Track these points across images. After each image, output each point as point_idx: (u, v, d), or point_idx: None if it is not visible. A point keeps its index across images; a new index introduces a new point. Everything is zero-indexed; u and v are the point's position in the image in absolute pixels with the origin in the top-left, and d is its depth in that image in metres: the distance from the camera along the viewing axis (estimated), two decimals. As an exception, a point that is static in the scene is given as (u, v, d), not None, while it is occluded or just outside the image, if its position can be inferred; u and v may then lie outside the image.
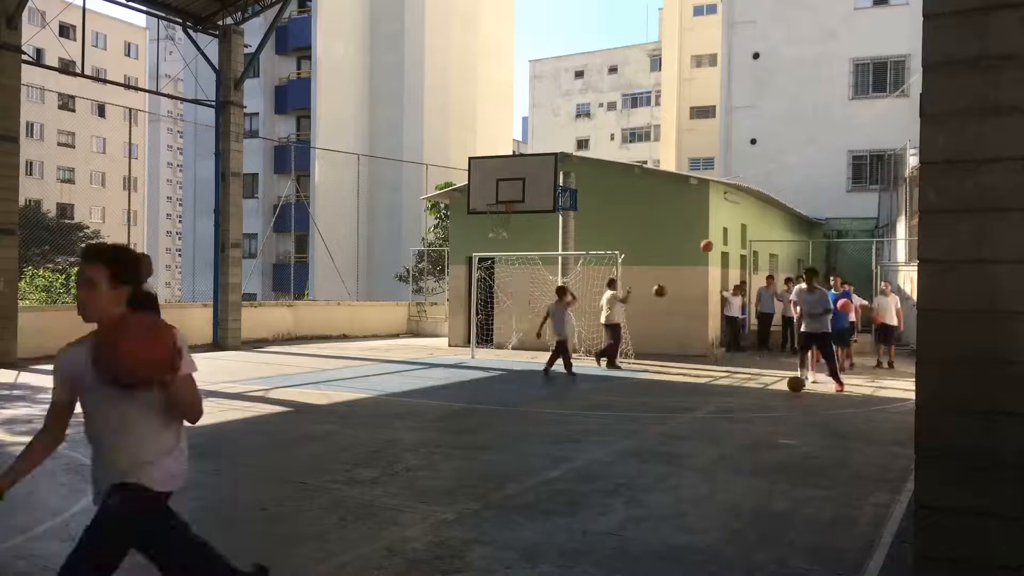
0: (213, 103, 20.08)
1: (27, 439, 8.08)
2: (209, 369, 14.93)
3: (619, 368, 15.55)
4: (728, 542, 5.27)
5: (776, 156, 30.06)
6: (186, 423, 3.29)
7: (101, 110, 64.49)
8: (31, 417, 9.46)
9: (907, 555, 4.70)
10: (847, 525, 5.66)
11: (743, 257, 21.31)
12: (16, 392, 11.55)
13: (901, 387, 12.98)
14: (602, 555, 4.95)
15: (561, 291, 15.28)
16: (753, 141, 31.52)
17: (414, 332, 25.18)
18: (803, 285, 13.18)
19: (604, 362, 15.82)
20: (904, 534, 5.24)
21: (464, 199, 17.80)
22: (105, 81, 24.02)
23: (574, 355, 17.92)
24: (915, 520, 4.28)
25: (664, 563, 4.85)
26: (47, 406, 9.67)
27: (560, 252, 17.80)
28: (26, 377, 13.24)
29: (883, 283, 17.45)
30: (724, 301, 19.04)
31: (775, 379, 14.24)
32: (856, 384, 13.60)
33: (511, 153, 44.98)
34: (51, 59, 46.67)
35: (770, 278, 19.85)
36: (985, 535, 3.99)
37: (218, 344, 19.29)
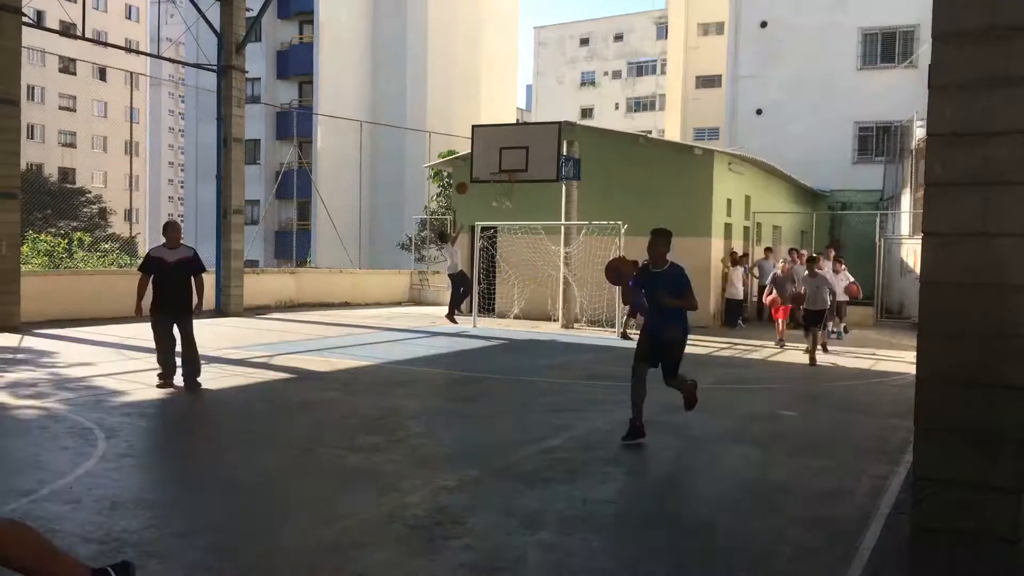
0: (215, 67, 19.90)
1: (32, 402, 8.16)
2: (211, 335, 14.97)
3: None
4: (726, 512, 5.31)
5: (782, 126, 29.82)
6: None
7: (102, 74, 63.95)
8: (35, 381, 9.51)
9: (904, 526, 4.75)
10: (845, 496, 5.70)
11: (746, 228, 21.23)
12: (20, 356, 11.59)
13: (902, 359, 13.01)
14: (601, 523, 5.00)
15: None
16: (759, 111, 31.26)
17: (416, 301, 25.21)
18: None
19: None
20: (901, 506, 5.28)
21: (467, 167, 17.71)
22: (106, 44, 23.88)
23: (576, 324, 17.97)
24: (913, 492, 4.31)
25: (662, 531, 4.90)
26: (51, 370, 9.87)
27: (563, 222, 17.74)
28: (29, 341, 13.27)
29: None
30: (726, 278, 18.85)
31: (776, 351, 14.27)
32: (857, 356, 13.64)
33: (515, 121, 44.70)
34: (51, 21, 46.17)
35: (768, 250, 19.77)
36: (983, 508, 4.02)
37: (220, 311, 19.31)
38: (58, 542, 4.42)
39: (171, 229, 9.39)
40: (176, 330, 9.18)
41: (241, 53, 19.72)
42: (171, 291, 9.09)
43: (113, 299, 17.77)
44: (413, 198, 40.79)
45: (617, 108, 68.93)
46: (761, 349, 14.53)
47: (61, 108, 65.60)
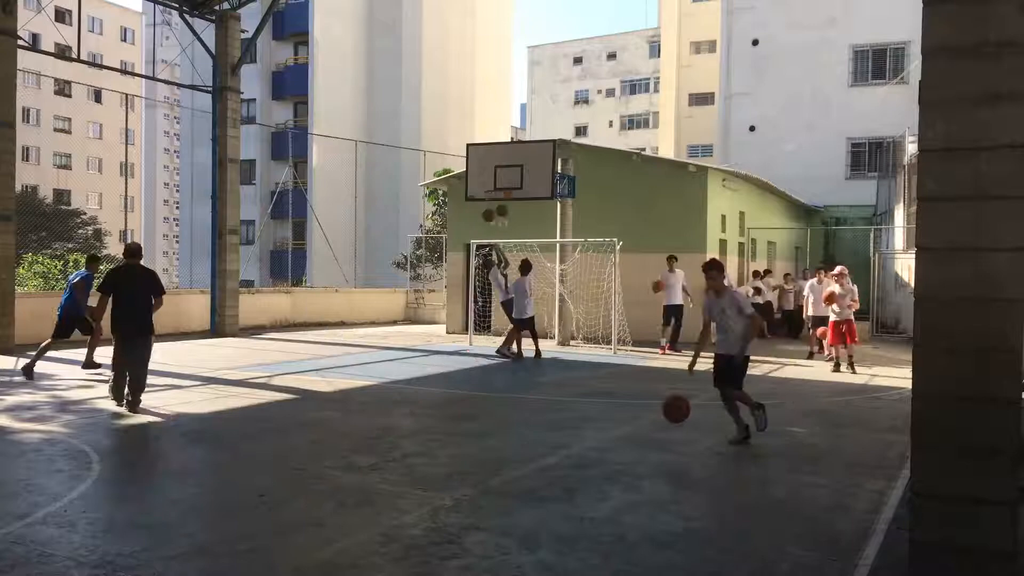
0: (210, 89, 19.98)
1: (26, 425, 8.11)
2: (207, 356, 14.93)
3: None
4: (724, 528, 5.29)
5: (775, 143, 29.99)
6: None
7: (97, 96, 64.17)
8: (35, 404, 9.46)
9: (903, 542, 4.73)
10: (843, 512, 5.69)
11: (741, 244, 21.29)
12: (17, 379, 11.53)
13: (899, 374, 13.01)
14: (599, 541, 4.97)
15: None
16: (752, 128, 31.45)
17: (412, 319, 25.18)
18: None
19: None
20: (900, 520, 5.27)
21: (462, 186, 17.75)
22: (101, 66, 23.90)
23: (572, 341, 17.96)
24: (911, 507, 4.30)
25: (661, 549, 4.87)
26: (51, 392, 9.79)
27: (558, 239, 17.77)
28: (25, 363, 13.19)
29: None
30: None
31: (775, 366, 14.27)
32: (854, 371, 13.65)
33: (509, 140, 44.89)
34: (47, 44, 46.38)
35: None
36: (980, 522, 4.01)
37: (216, 331, 19.28)
38: (52, 566, 4.39)
39: None
40: None
41: (236, 74, 19.80)
42: None
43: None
44: (408, 216, 40.88)
45: (611, 126, 69.31)
46: (761, 365, 14.53)
47: (56, 130, 65.72)
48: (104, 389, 10.22)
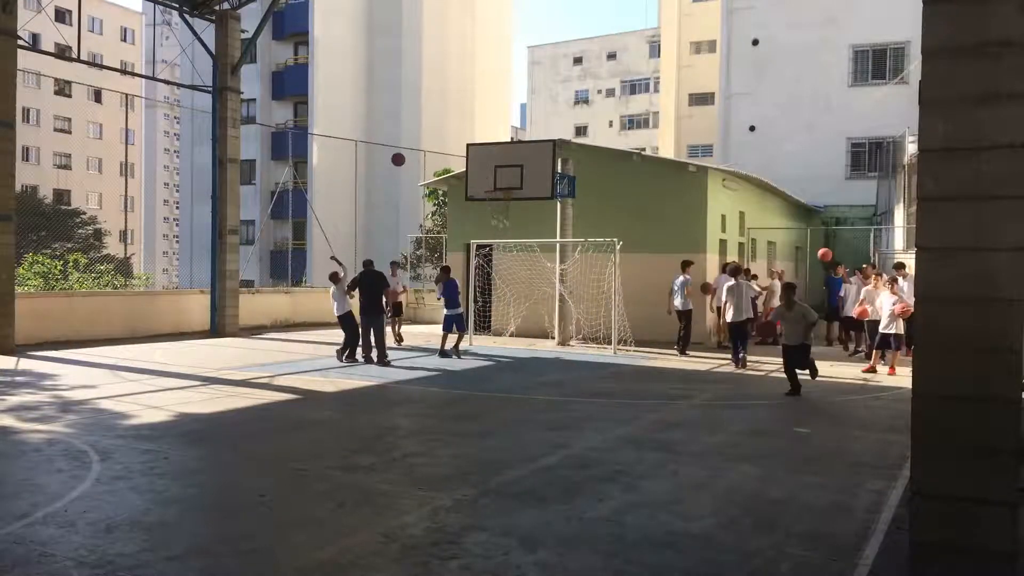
0: (210, 89, 19.97)
1: (27, 425, 8.11)
2: (208, 355, 14.93)
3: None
4: (724, 528, 5.29)
5: (775, 143, 29.98)
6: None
7: (97, 96, 64.13)
8: (39, 404, 9.46)
9: (903, 542, 4.73)
10: (843, 512, 5.69)
11: (741, 244, 21.28)
12: (19, 379, 11.53)
13: (899, 374, 13.00)
14: (599, 541, 4.97)
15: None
16: (752, 128, 31.44)
17: (412, 319, 25.16)
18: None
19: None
20: (900, 521, 5.27)
21: (462, 186, 17.75)
22: (101, 66, 23.84)
23: (573, 341, 17.96)
24: (911, 507, 4.30)
25: (660, 549, 4.87)
26: (54, 392, 9.79)
27: (558, 239, 17.77)
28: (26, 364, 13.21)
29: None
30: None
31: (775, 367, 14.26)
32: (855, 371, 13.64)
33: (509, 140, 44.87)
34: (47, 44, 46.38)
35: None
36: (980, 522, 4.01)
37: (216, 331, 19.27)
38: (52, 566, 4.39)
39: None
40: None
41: (236, 74, 19.79)
42: None
43: (108, 321, 17.73)
44: (408, 217, 40.86)
45: (611, 126, 69.27)
46: (761, 365, 14.52)
47: (56, 130, 65.66)
48: (105, 389, 10.22)
